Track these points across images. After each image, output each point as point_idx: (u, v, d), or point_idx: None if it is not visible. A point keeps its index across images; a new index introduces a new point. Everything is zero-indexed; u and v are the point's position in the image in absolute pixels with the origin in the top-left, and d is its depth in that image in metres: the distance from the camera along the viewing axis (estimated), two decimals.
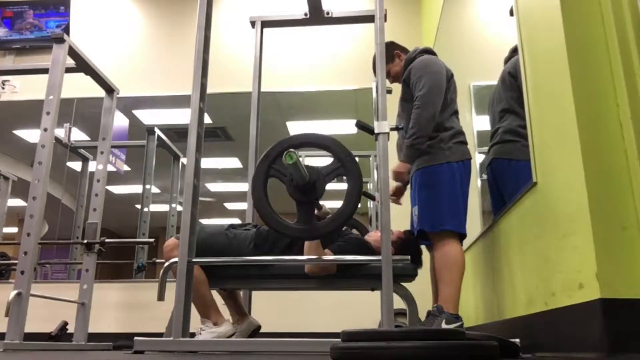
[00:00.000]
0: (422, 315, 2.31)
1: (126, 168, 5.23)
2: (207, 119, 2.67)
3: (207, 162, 5.92)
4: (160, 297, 2.08)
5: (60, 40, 3.00)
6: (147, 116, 5.59)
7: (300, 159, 1.78)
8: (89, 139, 5.38)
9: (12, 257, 4.74)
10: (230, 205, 7.62)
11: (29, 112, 4.80)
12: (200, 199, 2.14)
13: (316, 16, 2.85)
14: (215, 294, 2.33)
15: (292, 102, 5.19)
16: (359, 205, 3.09)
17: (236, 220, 5.25)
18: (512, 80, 2.26)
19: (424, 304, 2.42)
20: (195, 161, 2.07)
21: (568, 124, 1.59)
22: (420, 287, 2.47)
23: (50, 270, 5.16)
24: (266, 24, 3.03)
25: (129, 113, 5.28)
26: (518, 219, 2.17)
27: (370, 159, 4.63)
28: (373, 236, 2.36)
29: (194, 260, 2.02)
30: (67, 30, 5.11)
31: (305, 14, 2.86)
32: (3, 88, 5.18)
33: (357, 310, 3.77)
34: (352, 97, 5.03)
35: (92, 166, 4.69)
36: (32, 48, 5.33)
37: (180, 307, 1.92)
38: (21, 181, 5.01)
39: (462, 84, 2.92)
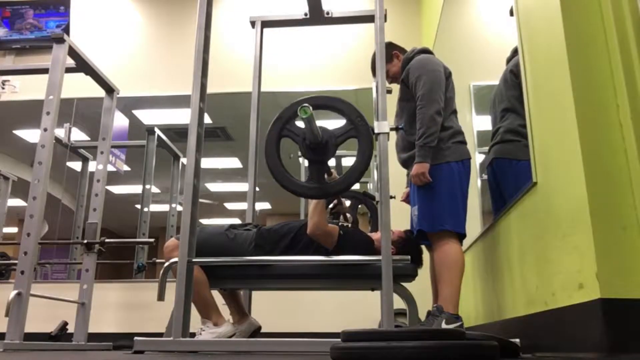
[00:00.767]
0: (422, 315, 2.31)
1: (126, 168, 5.23)
2: (207, 119, 2.67)
3: (207, 162, 5.93)
4: (160, 297, 2.08)
5: (60, 40, 3.01)
6: (147, 116, 5.59)
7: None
8: (89, 139, 5.38)
9: (12, 257, 4.74)
10: (230, 205, 7.62)
11: (29, 112, 4.80)
12: (200, 199, 2.14)
13: (316, 16, 2.85)
14: (215, 294, 2.33)
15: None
16: (359, 206, 3.11)
17: (236, 221, 5.26)
18: (513, 79, 2.26)
19: (424, 304, 2.42)
20: (195, 161, 2.07)
21: (568, 123, 1.59)
22: (420, 287, 2.47)
23: (50, 270, 5.15)
24: (266, 24, 3.03)
25: (129, 113, 5.28)
26: (518, 219, 2.17)
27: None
28: (376, 236, 2.36)
29: (193, 260, 2.02)
30: (67, 30, 5.10)
31: (305, 14, 2.86)
32: (3, 88, 5.19)
33: (357, 310, 3.77)
34: (352, 97, 5.02)
35: (92, 166, 4.69)
36: (32, 48, 5.33)
37: (180, 307, 1.92)
38: (21, 181, 5.01)
39: (462, 84, 2.92)
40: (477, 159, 3.05)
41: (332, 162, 2.14)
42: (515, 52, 2.24)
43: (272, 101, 4.74)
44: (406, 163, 2.59)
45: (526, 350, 1.85)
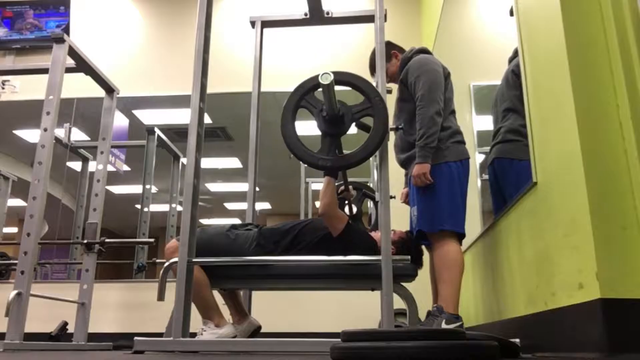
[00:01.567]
0: (422, 315, 2.31)
1: (126, 168, 5.23)
2: (207, 119, 2.67)
3: (207, 162, 5.93)
4: (160, 297, 2.08)
5: (60, 40, 3.00)
6: (147, 116, 5.59)
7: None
8: (89, 139, 5.38)
9: (12, 257, 4.73)
10: (230, 205, 7.62)
11: (29, 112, 4.80)
12: (200, 200, 2.14)
13: (316, 16, 2.85)
14: (215, 294, 2.33)
15: None
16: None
17: (236, 221, 5.26)
18: (515, 79, 2.26)
19: (424, 304, 2.42)
20: (195, 161, 2.07)
21: (568, 124, 1.59)
22: (420, 287, 2.47)
23: (50, 270, 5.15)
24: (266, 24, 3.03)
25: (129, 113, 5.28)
26: (518, 219, 2.17)
27: (370, 159, 4.63)
28: (377, 236, 2.36)
29: (193, 260, 2.02)
30: (67, 30, 5.10)
31: (305, 14, 2.86)
32: (3, 88, 5.18)
33: (357, 310, 3.77)
34: (351, 97, 5.02)
35: (92, 166, 4.69)
36: (32, 48, 5.33)
37: (180, 307, 1.92)
38: (21, 181, 5.01)
39: (462, 84, 2.93)
40: (477, 159, 3.05)
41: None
42: (517, 52, 2.24)
43: (272, 101, 4.74)
44: (405, 163, 2.60)
45: (526, 350, 1.85)
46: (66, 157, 4.67)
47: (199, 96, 2.13)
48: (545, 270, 1.81)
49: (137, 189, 4.92)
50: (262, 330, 2.45)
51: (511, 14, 2.19)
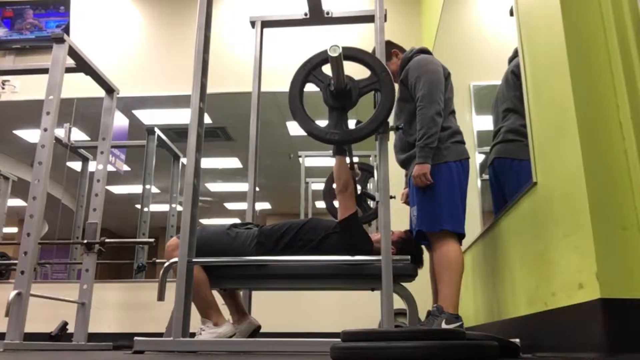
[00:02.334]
0: (422, 315, 2.30)
1: (126, 168, 5.23)
2: (207, 119, 2.67)
3: (207, 162, 5.93)
4: (160, 297, 2.08)
5: (60, 40, 3.01)
6: (147, 116, 5.59)
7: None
8: (89, 139, 5.39)
9: (12, 257, 4.73)
10: (230, 205, 7.62)
11: (29, 112, 4.80)
12: (200, 200, 2.14)
13: (316, 16, 2.85)
14: (215, 294, 2.33)
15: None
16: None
17: (236, 220, 5.25)
18: (515, 79, 2.26)
19: (424, 304, 2.42)
20: (195, 161, 2.07)
21: (568, 124, 1.59)
22: (420, 287, 2.47)
23: (50, 270, 5.16)
24: (266, 24, 3.03)
25: (129, 113, 5.28)
26: (518, 219, 2.17)
27: (370, 159, 4.63)
28: (375, 237, 2.36)
29: (193, 260, 2.02)
30: (67, 30, 5.11)
31: (305, 14, 2.86)
32: (3, 88, 5.18)
33: (357, 310, 3.77)
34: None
35: (92, 166, 4.69)
36: (32, 48, 5.33)
37: (180, 307, 1.92)
38: (21, 181, 5.01)
39: (462, 84, 2.93)
40: (477, 159, 3.05)
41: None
42: (517, 52, 2.24)
43: (272, 101, 4.74)
44: (405, 163, 2.59)
45: (526, 350, 1.85)
46: (66, 157, 4.67)
47: (199, 96, 2.13)
48: (545, 270, 1.81)
49: (137, 189, 4.92)
50: (262, 330, 2.45)
51: (511, 14, 2.19)
